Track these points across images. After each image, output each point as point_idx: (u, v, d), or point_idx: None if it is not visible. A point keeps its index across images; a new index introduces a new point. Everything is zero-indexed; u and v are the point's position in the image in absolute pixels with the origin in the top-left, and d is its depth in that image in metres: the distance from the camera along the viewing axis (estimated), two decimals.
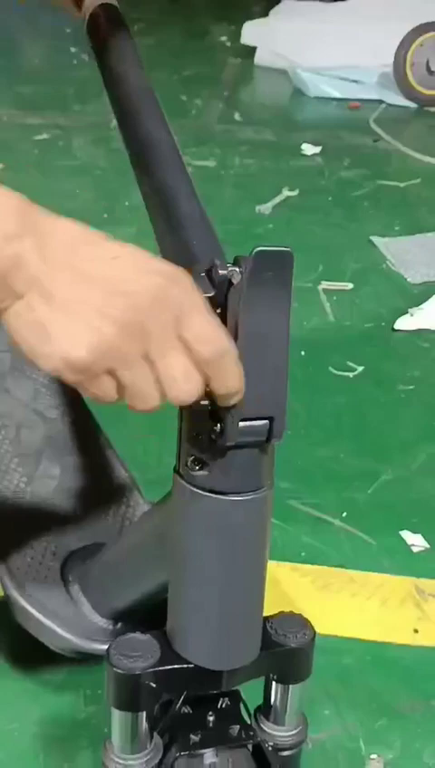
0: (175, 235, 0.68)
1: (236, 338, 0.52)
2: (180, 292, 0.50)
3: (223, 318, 0.53)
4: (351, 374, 1.58)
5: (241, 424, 0.53)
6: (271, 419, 0.53)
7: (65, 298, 0.49)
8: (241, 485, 0.56)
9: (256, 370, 0.52)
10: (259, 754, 0.68)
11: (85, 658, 0.87)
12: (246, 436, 0.53)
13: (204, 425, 0.55)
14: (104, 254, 0.52)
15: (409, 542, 1.20)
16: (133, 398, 0.51)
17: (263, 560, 0.60)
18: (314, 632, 0.65)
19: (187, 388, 0.50)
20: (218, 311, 0.53)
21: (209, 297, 0.53)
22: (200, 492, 0.56)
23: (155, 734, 0.65)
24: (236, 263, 0.52)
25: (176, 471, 0.59)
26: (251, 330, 0.51)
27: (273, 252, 0.51)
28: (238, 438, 0.53)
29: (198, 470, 0.56)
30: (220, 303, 0.53)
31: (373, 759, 0.91)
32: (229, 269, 0.52)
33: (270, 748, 0.67)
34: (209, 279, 0.54)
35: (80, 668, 0.98)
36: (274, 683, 0.67)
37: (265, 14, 3.71)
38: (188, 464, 0.56)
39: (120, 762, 0.63)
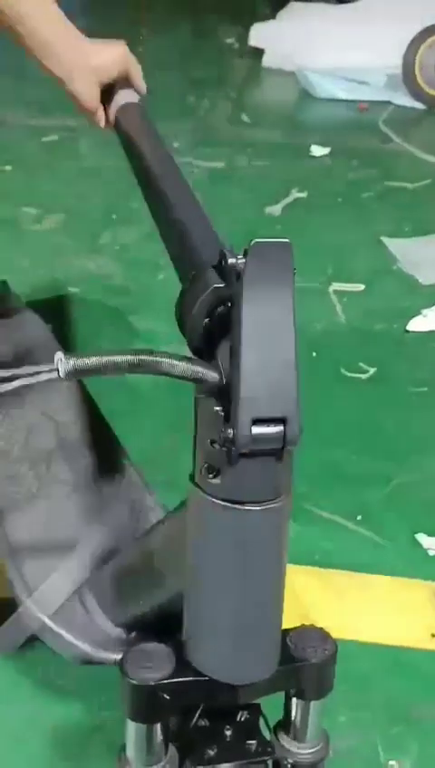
0: (180, 237, 0.69)
1: (241, 331, 0.50)
2: None
3: (233, 312, 0.51)
4: (363, 376, 1.56)
5: (254, 430, 0.51)
6: (284, 421, 0.51)
7: None
8: (257, 494, 0.54)
9: (262, 365, 0.50)
10: None
11: (101, 666, 0.86)
12: (260, 443, 0.51)
13: (217, 431, 0.53)
14: None
15: (425, 545, 1.19)
16: None
17: (280, 571, 0.58)
18: (336, 647, 0.63)
19: None
20: (229, 304, 0.52)
21: (219, 288, 0.53)
22: (215, 501, 0.55)
23: (171, 745, 0.64)
24: (244, 254, 0.52)
25: (191, 479, 0.57)
26: (254, 321, 0.50)
27: (271, 243, 0.50)
28: (252, 445, 0.51)
29: (213, 478, 0.54)
30: (229, 296, 0.51)
31: (392, 765, 0.90)
32: (238, 258, 0.51)
33: (289, 766, 0.65)
34: (219, 272, 0.53)
35: (94, 674, 0.97)
36: (294, 698, 0.65)
37: (272, 16, 3.70)
38: (203, 472, 0.55)
39: None
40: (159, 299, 1.76)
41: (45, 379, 0.57)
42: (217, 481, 0.54)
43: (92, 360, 0.51)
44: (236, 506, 0.54)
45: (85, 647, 0.78)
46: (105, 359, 0.51)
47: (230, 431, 0.51)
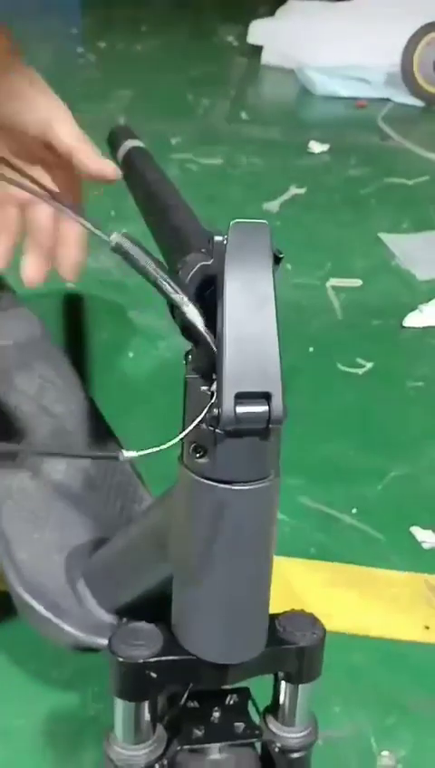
0: (166, 225, 0.71)
1: (223, 308, 0.52)
2: None
3: (217, 290, 0.53)
4: (360, 371, 1.57)
5: (239, 410, 0.51)
6: (268, 397, 0.51)
7: None
8: (244, 474, 0.54)
9: (244, 341, 0.51)
10: (266, 756, 0.66)
11: (91, 655, 0.86)
12: (244, 423, 0.52)
13: (204, 410, 0.53)
14: None
15: (419, 538, 1.19)
16: None
17: (268, 551, 0.58)
18: (325, 631, 0.63)
19: None
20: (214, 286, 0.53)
21: (207, 265, 0.54)
22: (203, 480, 0.55)
23: (159, 726, 0.64)
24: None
25: (179, 459, 0.58)
26: (235, 298, 0.51)
27: (250, 223, 0.52)
28: (236, 424, 0.51)
29: (200, 458, 0.55)
30: (216, 272, 0.53)
31: (385, 756, 0.90)
32: (224, 237, 0.52)
33: (277, 749, 0.66)
34: (208, 252, 0.55)
35: (88, 665, 0.97)
36: (282, 682, 0.65)
37: (271, 13, 3.70)
38: (190, 452, 0.55)
39: (122, 752, 0.61)
40: (158, 295, 1.76)
41: (102, 236, 0.60)
42: (204, 460, 0.54)
43: (138, 258, 0.57)
44: (224, 486, 0.54)
45: (79, 633, 0.78)
46: (148, 266, 0.57)
47: (216, 410, 0.52)
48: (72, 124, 0.88)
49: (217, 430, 0.53)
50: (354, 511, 1.24)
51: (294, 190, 2.29)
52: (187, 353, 0.59)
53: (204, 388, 0.54)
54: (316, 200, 2.27)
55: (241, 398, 0.51)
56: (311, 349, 1.61)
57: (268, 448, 0.55)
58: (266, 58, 3.42)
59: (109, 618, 0.79)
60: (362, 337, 1.68)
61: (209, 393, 0.53)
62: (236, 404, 0.51)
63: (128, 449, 0.56)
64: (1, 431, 1.05)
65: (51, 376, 1.18)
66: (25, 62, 0.90)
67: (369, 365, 1.58)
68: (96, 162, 0.84)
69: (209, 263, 0.55)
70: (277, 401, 0.52)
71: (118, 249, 0.58)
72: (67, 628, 0.78)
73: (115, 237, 0.58)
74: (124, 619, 0.79)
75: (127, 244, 0.58)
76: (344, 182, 2.40)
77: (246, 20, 3.63)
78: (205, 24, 4.00)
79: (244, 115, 2.92)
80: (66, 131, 0.87)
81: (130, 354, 1.58)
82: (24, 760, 0.89)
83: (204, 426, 0.54)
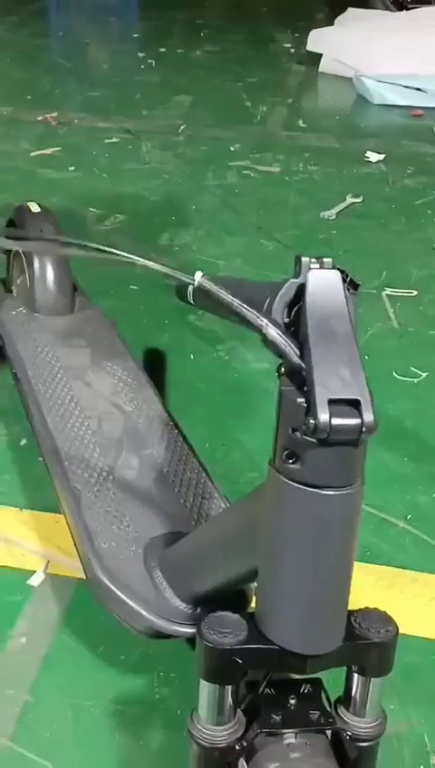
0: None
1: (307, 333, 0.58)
2: None
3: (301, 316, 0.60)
4: (415, 380, 1.59)
5: (334, 421, 0.55)
6: (357, 404, 0.56)
7: None
8: (334, 480, 0.58)
9: (329, 355, 0.57)
10: (337, 743, 0.70)
11: (161, 641, 0.91)
12: (338, 434, 0.56)
13: (299, 420, 0.57)
14: None
15: None
16: None
17: (351, 552, 0.62)
18: (397, 629, 0.67)
19: None
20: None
21: (295, 282, 0.63)
22: (294, 485, 0.59)
23: (239, 710, 0.68)
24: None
25: (271, 463, 0.62)
26: (317, 324, 0.58)
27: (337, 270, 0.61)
28: (331, 434, 0.56)
29: (292, 464, 0.59)
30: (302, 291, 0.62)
31: None
32: (309, 258, 0.62)
33: (348, 737, 0.69)
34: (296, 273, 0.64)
35: (154, 652, 1.02)
36: (355, 675, 0.69)
37: (330, 21, 3.73)
38: (283, 457, 0.59)
39: (207, 732, 0.66)
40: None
41: (180, 282, 0.69)
42: (296, 466, 0.59)
43: (218, 291, 0.64)
44: (314, 490, 0.59)
45: (157, 620, 0.83)
46: (228, 298, 0.63)
47: (311, 421, 0.56)
48: None
49: (310, 438, 0.57)
50: (409, 517, 1.27)
51: (350, 199, 2.32)
52: (279, 366, 0.64)
53: (299, 400, 0.58)
54: (372, 209, 2.30)
55: (333, 404, 0.56)
56: (366, 357, 1.64)
57: (357, 456, 0.59)
58: (324, 66, 3.45)
59: (184, 606, 0.84)
60: (417, 346, 1.71)
61: (305, 405, 0.58)
62: (331, 415, 0.56)
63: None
64: (77, 429, 1.11)
65: (123, 375, 1.23)
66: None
67: (424, 374, 1.61)
68: None
69: (298, 280, 0.61)
70: (368, 411, 0.56)
71: (202, 288, 0.65)
72: (146, 614, 0.83)
73: (199, 278, 0.66)
74: (199, 609, 0.84)
75: (208, 284, 0.65)
76: (400, 192, 2.42)
77: (304, 27, 3.66)
78: (262, 31, 4.04)
79: (301, 123, 2.96)
80: None
81: (192, 356, 1.63)
82: (95, 740, 0.95)
83: (298, 434, 0.58)
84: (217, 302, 0.63)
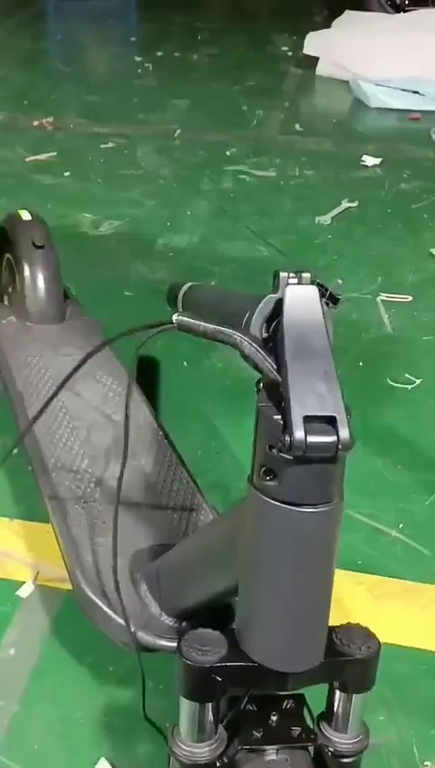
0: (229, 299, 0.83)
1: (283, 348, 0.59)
2: None
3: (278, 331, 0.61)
4: (409, 386, 1.59)
5: (310, 439, 0.55)
6: (333, 421, 0.55)
7: None
8: (311, 498, 0.58)
9: (306, 371, 0.57)
10: (319, 759, 0.70)
11: (147, 654, 0.91)
12: (314, 451, 0.56)
13: (276, 437, 0.57)
14: None
15: None
16: None
17: (330, 569, 0.62)
18: (380, 645, 0.67)
19: None
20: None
21: (273, 297, 0.64)
22: (272, 502, 0.59)
23: (220, 726, 0.68)
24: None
25: (249, 480, 0.62)
26: (294, 340, 0.59)
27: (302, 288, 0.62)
28: (307, 451, 0.55)
29: (270, 481, 0.58)
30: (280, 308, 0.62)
31: (427, 765, 0.93)
32: (287, 272, 0.64)
33: (330, 754, 0.69)
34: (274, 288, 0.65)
35: (143, 663, 1.02)
36: (337, 691, 0.69)
37: (327, 24, 3.73)
38: (261, 474, 0.59)
39: (186, 749, 0.66)
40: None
41: (162, 330, 0.74)
42: (273, 483, 0.59)
43: (197, 324, 0.70)
44: (291, 507, 0.58)
45: (141, 634, 0.82)
46: (205, 326, 0.69)
47: (287, 438, 0.56)
48: None
49: (286, 456, 0.57)
50: (401, 525, 1.27)
51: (346, 203, 2.32)
52: (257, 381, 0.64)
53: (276, 417, 0.58)
54: (368, 214, 2.29)
55: (309, 421, 0.56)
56: (360, 363, 1.64)
57: (334, 473, 0.59)
58: (321, 69, 3.44)
59: (169, 620, 0.84)
60: (412, 352, 1.71)
61: (282, 423, 0.57)
62: (306, 432, 0.55)
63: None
64: (66, 439, 1.11)
65: (113, 385, 1.23)
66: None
67: (418, 381, 1.60)
68: None
69: (276, 295, 0.62)
70: (344, 428, 0.56)
71: (181, 326, 0.71)
72: (132, 628, 0.83)
73: (176, 318, 0.72)
74: (184, 623, 0.84)
75: (185, 320, 0.71)
76: (396, 196, 2.42)
77: (301, 30, 3.66)
78: (260, 34, 4.04)
79: (297, 126, 2.96)
80: None
81: (185, 363, 1.63)
82: (83, 750, 0.94)
83: (274, 451, 0.58)
84: (196, 332, 0.69)
